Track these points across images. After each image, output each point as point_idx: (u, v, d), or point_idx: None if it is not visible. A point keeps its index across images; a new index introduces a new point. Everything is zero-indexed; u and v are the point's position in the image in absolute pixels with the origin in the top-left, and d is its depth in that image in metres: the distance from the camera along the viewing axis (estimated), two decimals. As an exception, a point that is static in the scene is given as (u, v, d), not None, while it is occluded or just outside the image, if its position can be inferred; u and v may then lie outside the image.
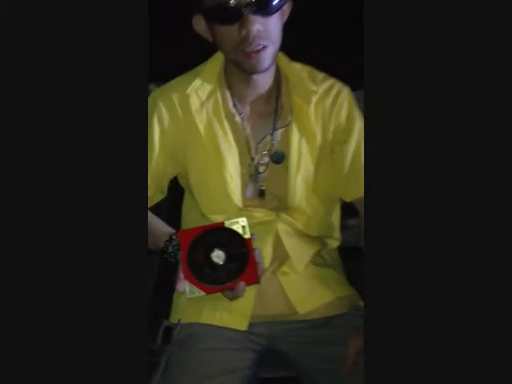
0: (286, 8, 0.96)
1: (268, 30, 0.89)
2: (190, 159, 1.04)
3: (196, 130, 1.01)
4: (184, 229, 0.95)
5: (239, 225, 0.88)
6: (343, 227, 1.25)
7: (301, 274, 1.05)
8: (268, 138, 1.04)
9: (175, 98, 1.02)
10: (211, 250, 0.86)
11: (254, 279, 0.86)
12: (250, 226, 1.01)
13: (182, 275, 0.86)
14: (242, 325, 1.00)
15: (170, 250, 0.94)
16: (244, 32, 0.87)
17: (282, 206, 1.06)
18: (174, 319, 1.04)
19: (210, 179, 1.04)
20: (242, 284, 0.86)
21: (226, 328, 1.00)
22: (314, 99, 1.02)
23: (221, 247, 0.86)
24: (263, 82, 1.01)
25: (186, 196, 1.15)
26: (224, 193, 1.02)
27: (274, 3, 0.89)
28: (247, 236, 0.88)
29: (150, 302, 1.17)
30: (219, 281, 0.85)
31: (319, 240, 1.10)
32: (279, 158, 1.04)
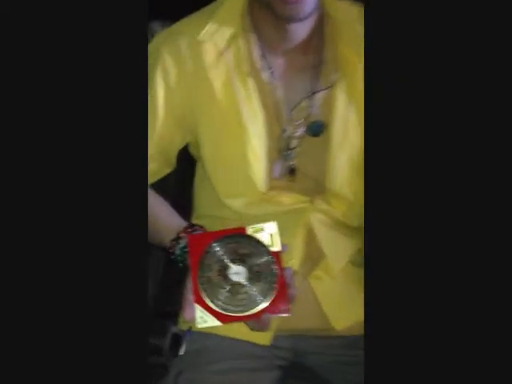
0: None
1: None
2: (202, 127, 0.81)
3: (210, 89, 0.78)
4: (194, 234, 0.73)
5: (266, 232, 0.67)
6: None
7: (338, 279, 0.83)
8: (305, 102, 0.79)
9: (184, 45, 0.78)
10: (229, 265, 0.66)
11: (285, 309, 0.66)
12: (277, 215, 0.80)
13: (190, 297, 0.65)
14: (265, 339, 0.80)
15: (178, 252, 0.74)
16: None
17: (317, 189, 0.83)
18: (183, 325, 0.84)
19: (227, 154, 0.81)
20: (268, 315, 0.65)
21: (246, 342, 0.81)
22: None
23: (241, 261, 0.66)
24: (302, 29, 0.76)
25: (199, 168, 0.92)
26: (245, 172, 0.79)
27: None
28: (276, 248, 0.66)
29: (155, 299, 0.97)
30: (239, 306, 0.65)
31: (361, 232, 0.87)
32: (318, 130, 0.80)
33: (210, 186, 0.85)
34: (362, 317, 0.79)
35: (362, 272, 0.84)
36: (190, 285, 0.66)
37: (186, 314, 0.66)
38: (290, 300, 0.66)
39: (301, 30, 0.76)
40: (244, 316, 0.64)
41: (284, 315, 0.66)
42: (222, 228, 0.88)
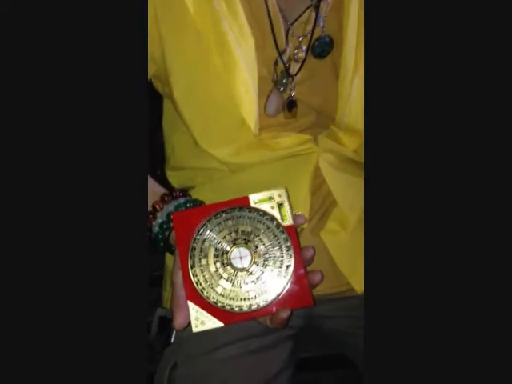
0: None
1: None
2: (172, 55, 0.60)
3: (181, 2, 0.57)
4: (179, 210, 0.56)
5: (274, 202, 0.52)
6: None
7: (354, 233, 0.69)
8: (309, 13, 0.60)
9: None
10: (228, 248, 0.51)
11: (306, 299, 0.51)
12: (275, 161, 0.65)
13: (181, 293, 0.50)
14: None
15: (156, 229, 0.57)
16: None
17: (320, 123, 0.67)
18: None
19: (207, 88, 0.61)
20: (285, 310, 0.50)
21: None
22: None
23: (244, 242, 0.51)
24: None
25: (167, 109, 0.73)
26: (231, 111, 0.61)
27: None
28: (288, 222, 0.51)
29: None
30: (246, 300, 0.50)
31: None
32: (326, 48, 0.62)
33: (186, 131, 0.67)
34: None
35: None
36: (178, 279, 0.51)
37: (177, 318, 0.50)
38: (312, 287, 0.52)
39: None
40: (253, 312, 0.50)
41: (305, 306, 0.51)
42: (208, 184, 0.71)
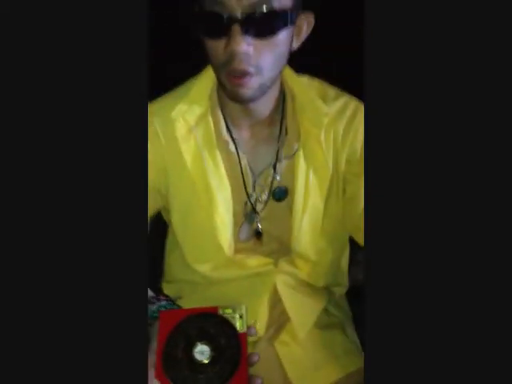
0: (303, 28, 0.75)
1: (259, 54, 0.68)
2: (173, 194, 0.86)
3: (181, 160, 0.82)
4: (165, 310, 0.74)
5: (236, 314, 0.68)
6: (352, 263, 1.09)
7: (303, 345, 0.86)
8: (269, 170, 0.85)
9: (157, 123, 0.82)
10: (195, 343, 0.66)
11: None
12: (243, 278, 0.84)
13: (151, 372, 0.65)
14: None
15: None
16: (229, 51, 0.68)
17: (282, 250, 0.88)
18: None
19: (195, 218, 0.85)
20: None
21: None
22: (325, 122, 0.82)
23: (208, 341, 0.66)
24: (263, 105, 0.81)
25: (170, 234, 0.96)
26: (212, 236, 0.84)
27: (271, 25, 0.68)
28: (243, 330, 0.67)
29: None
30: None
31: (325, 291, 0.93)
32: (282, 195, 0.86)
33: (179, 251, 0.89)
34: (329, 380, 0.83)
35: (326, 335, 0.89)
36: (153, 359, 0.65)
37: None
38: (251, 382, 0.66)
39: (262, 107, 0.81)
40: None
41: None
42: (191, 292, 0.91)
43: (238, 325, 0.67)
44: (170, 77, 0.92)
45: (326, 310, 0.92)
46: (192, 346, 0.65)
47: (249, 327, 0.68)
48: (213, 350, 0.65)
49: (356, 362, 0.88)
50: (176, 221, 0.87)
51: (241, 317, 0.68)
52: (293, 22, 0.71)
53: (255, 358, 0.67)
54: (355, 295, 1.06)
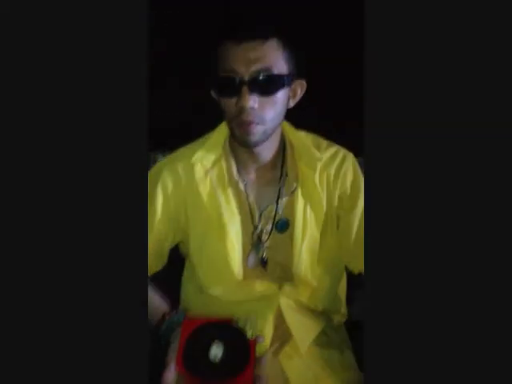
0: (297, 91, 0.95)
1: (263, 108, 0.88)
2: (191, 226, 1.02)
3: (199, 197, 0.99)
4: (189, 317, 0.86)
5: (247, 325, 0.82)
6: (350, 300, 1.20)
7: (304, 358, 0.98)
8: (272, 205, 1.01)
9: (180, 167, 1.01)
10: (210, 346, 0.79)
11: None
12: (251, 300, 0.97)
13: (172, 365, 0.78)
14: None
15: (163, 330, 0.88)
16: (239, 106, 0.87)
17: (285, 275, 1.01)
18: None
19: (210, 247, 1.00)
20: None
21: None
22: (319, 166, 1.00)
23: (221, 344, 0.80)
24: (266, 151, 0.99)
25: (187, 266, 1.11)
26: (224, 262, 0.99)
27: (275, 85, 0.88)
28: (252, 338, 0.81)
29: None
30: (211, 377, 0.77)
31: (324, 315, 1.05)
32: (284, 226, 1.01)
33: (194, 281, 1.04)
34: None
35: (325, 352, 1.00)
36: (173, 354, 0.78)
37: (165, 377, 0.77)
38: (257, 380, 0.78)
39: (266, 152, 0.99)
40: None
41: None
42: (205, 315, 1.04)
43: (248, 333, 0.81)
44: (170, 76, 1.09)
45: (325, 334, 1.04)
46: (208, 347, 0.79)
47: (257, 336, 0.81)
48: (225, 351, 0.79)
49: (353, 376, 0.99)
50: (193, 250, 1.02)
51: (251, 327, 0.81)
52: (289, 85, 0.91)
53: (263, 361, 0.79)
54: (355, 328, 1.16)
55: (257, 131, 0.89)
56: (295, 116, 1.00)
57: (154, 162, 1.10)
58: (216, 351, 0.79)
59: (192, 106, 1.15)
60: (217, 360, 0.78)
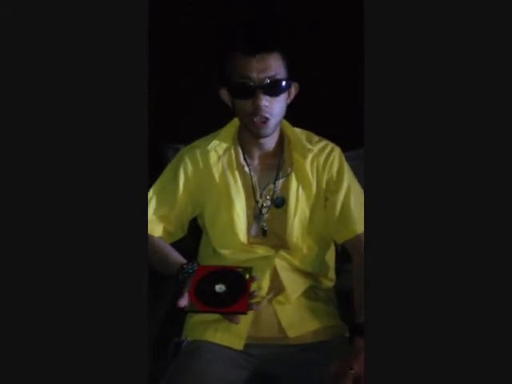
0: (292, 92, 1.21)
1: (272, 106, 1.14)
2: (206, 201, 1.27)
3: (213, 178, 1.25)
4: (203, 265, 1.14)
5: (247, 270, 1.08)
6: (340, 271, 1.42)
7: (294, 305, 1.22)
8: (271, 185, 1.26)
9: (198, 153, 1.28)
10: (217, 283, 1.05)
11: (243, 309, 1.01)
12: (253, 260, 1.21)
13: (186, 295, 1.02)
14: (238, 344, 1.16)
15: (181, 277, 1.11)
16: (255, 106, 1.13)
17: (281, 244, 1.25)
18: (183, 337, 1.21)
19: (220, 218, 1.25)
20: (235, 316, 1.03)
21: (225, 347, 1.16)
22: (310, 156, 1.25)
23: (225, 283, 1.05)
24: (269, 142, 1.25)
25: (203, 237, 1.36)
26: (232, 230, 1.23)
27: (280, 88, 1.14)
28: (248, 278, 1.07)
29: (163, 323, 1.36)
30: (215, 305, 1.02)
31: (313, 276, 1.28)
32: (280, 203, 1.25)
33: (209, 245, 1.29)
34: (307, 329, 1.17)
35: (312, 303, 1.23)
36: (189, 289, 1.04)
37: (179, 303, 1.01)
38: (247, 307, 1.02)
39: (268, 144, 1.24)
40: (216, 309, 1.03)
41: (241, 313, 1.02)
42: None
43: (246, 275, 1.06)
44: (169, 77, 1.31)
45: (314, 291, 1.27)
46: (215, 284, 1.05)
47: (253, 276, 1.06)
48: (227, 288, 1.04)
49: (332, 321, 1.23)
50: (207, 220, 1.27)
51: (248, 272, 1.07)
52: (289, 87, 1.16)
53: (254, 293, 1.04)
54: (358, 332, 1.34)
55: (269, 125, 1.16)
56: (295, 116, 1.26)
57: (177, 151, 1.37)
58: (220, 286, 1.04)
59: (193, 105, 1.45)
60: (221, 292, 1.04)
